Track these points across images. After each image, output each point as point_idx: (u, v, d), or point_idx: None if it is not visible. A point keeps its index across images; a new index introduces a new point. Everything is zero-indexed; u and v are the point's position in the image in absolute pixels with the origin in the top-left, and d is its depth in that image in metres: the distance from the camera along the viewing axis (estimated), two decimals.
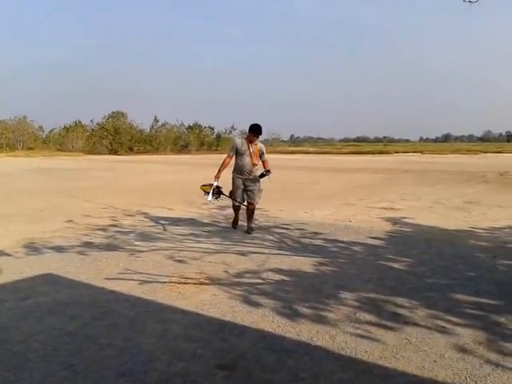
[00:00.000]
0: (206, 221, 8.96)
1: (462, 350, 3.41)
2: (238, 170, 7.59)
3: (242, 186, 7.61)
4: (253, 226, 7.81)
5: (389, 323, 3.89)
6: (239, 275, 5.25)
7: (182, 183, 16.76)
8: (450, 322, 3.92)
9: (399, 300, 4.41)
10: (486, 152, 50.44)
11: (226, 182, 7.84)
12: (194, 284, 4.94)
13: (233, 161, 7.64)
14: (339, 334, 3.67)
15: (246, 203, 7.77)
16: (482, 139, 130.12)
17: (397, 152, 53.17)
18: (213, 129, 67.53)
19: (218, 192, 7.67)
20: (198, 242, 7.00)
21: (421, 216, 9.46)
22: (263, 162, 7.69)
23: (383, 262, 5.80)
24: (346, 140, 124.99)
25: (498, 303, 4.36)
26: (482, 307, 4.24)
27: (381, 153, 51.94)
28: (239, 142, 7.62)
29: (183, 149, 59.18)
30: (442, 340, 3.57)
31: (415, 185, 16.26)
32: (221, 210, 10.14)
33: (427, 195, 13.12)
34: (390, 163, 31.45)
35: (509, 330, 3.73)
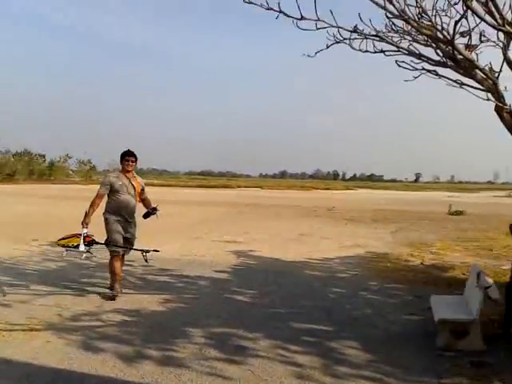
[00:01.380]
0: (36, 259, 8.11)
1: (300, 376, 3.69)
2: (115, 211, 5.95)
3: (123, 232, 6.00)
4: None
5: (233, 357, 4.02)
6: (76, 318, 4.87)
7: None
8: (288, 350, 4.22)
9: (243, 333, 4.59)
10: (316, 188, 56.52)
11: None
12: (23, 330, 4.42)
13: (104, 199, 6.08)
14: (185, 373, 3.65)
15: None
16: (313, 176, 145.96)
17: (239, 186, 56.07)
18: (44, 156, 62.96)
19: (90, 242, 5.96)
20: (27, 282, 6.30)
21: (262, 248, 10.08)
22: (143, 200, 6.28)
23: (228, 295, 6.00)
24: (191, 173, 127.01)
25: (329, 329, 4.84)
26: (316, 334, 4.67)
27: (224, 187, 54.19)
28: (114, 176, 6.04)
29: (9, 178, 52.99)
30: (281, 368, 3.82)
31: (256, 219, 17.29)
32: (53, 247, 9.29)
33: (267, 228, 14.06)
34: (233, 197, 32.95)
35: (340, 355, 4.17)
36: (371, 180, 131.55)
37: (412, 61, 5.43)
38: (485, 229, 14.89)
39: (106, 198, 5.99)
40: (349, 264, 8.52)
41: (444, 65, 5.35)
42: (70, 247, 5.92)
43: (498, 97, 4.59)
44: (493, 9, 4.18)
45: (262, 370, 3.76)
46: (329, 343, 4.43)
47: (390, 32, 5.71)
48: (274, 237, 12.22)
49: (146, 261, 6.10)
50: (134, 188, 6.04)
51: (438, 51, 5.28)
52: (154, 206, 6.20)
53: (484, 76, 4.82)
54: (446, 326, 4.25)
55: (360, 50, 5.90)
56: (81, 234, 5.85)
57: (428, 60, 5.46)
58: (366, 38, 5.70)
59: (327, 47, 5.95)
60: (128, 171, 6.05)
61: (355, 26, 5.65)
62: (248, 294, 6.08)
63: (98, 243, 6.01)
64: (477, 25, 4.70)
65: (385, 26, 5.65)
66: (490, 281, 4.31)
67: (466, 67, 5.01)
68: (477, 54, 5.01)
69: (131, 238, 6.10)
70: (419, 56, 5.47)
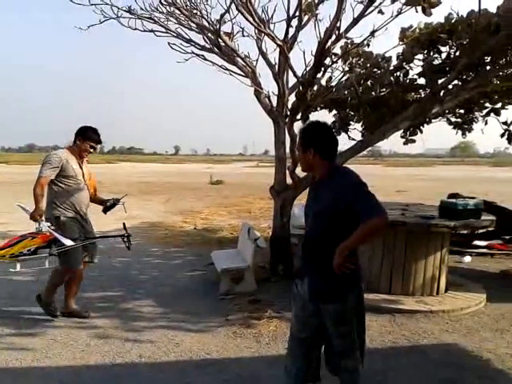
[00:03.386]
0: None
1: (104, 336, 4.09)
2: (69, 205, 4.42)
3: (79, 232, 4.50)
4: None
5: (32, 330, 4.13)
6: None
7: None
8: (86, 317, 4.52)
9: (34, 309, 4.60)
10: None
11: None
12: None
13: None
14: None
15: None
16: None
17: None
18: None
19: (52, 241, 4.11)
20: None
21: None
22: (94, 190, 4.87)
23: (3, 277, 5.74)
24: None
25: (122, 294, 5.29)
26: (110, 299, 5.07)
27: None
28: (65, 155, 4.42)
29: None
30: (84, 333, 4.14)
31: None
32: None
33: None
34: None
35: (136, 313, 4.69)
36: (131, 153, 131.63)
37: (182, 44, 6.11)
38: (242, 195, 17.35)
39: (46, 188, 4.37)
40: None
41: (210, 51, 6.20)
42: (24, 254, 3.95)
43: (256, 82, 5.70)
44: (250, 8, 5.19)
45: (66, 337, 4.01)
46: (124, 305, 4.91)
47: (162, 14, 6.25)
48: None
49: (129, 248, 4.73)
50: (88, 176, 4.67)
51: (206, 38, 6.09)
52: (117, 197, 4.96)
53: (244, 63, 5.87)
54: (227, 275, 5.24)
55: (130, 27, 6.32)
56: (37, 232, 4.12)
57: (196, 45, 6.22)
58: (139, 18, 6.17)
59: (100, 22, 6.23)
60: (81, 157, 4.58)
61: (129, 7, 6.07)
62: (28, 274, 5.93)
63: (60, 244, 4.08)
64: (234, 17, 5.73)
65: (156, 9, 6.17)
66: (258, 234, 5.50)
67: (229, 55, 5.97)
68: (238, 45, 6.01)
69: (94, 241, 4.69)
70: (188, 40, 6.18)
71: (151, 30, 6.22)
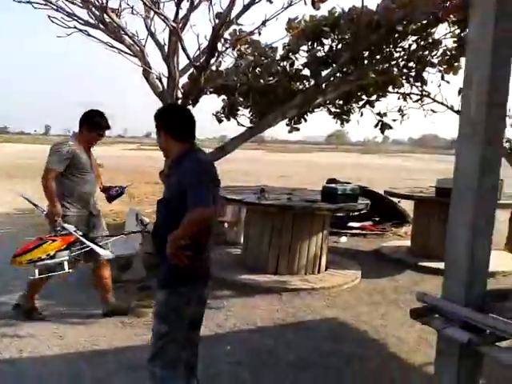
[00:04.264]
0: None
1: None
2: (78, 200, 4.09)
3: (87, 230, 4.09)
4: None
5: None
6: None
7: None
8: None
9: None
10: None
11: None
12: None
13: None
14: None
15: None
16: None
17: None
18: None
19: (73, 243, 3.63)
20: None
21: None
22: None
23: None
24: None
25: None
26: None
27: None
28: (74, 145, 4.02)
29: None
30: None
31: None
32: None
33: None
34: None
35: (11, 306, 4.33)
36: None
37: (63, 17, 5.69)
38: (125, 179, 16.71)
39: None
40: (2, 223, 8.23)
41: (95, 26, 5.86)
42: (43, 259, 3.40)
43: (145, 62, 5.54)
44: None
45: None
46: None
47: None
48: None
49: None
50: (95, 167, 4.32)
51: (90, 13, 5.74)
52: (123, 185, 4.66)
53: (132, 42, 5.66)
54: (114, 263, 5.08)
55: None
56: (55, 234, 3.64)
57: (79, 19, 5.84)
58: None
59: None
60: (90, 145, 4.21)
61: None
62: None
63: (83, 243, 3.66)
64: None
65: None
66: (147, 219, 5.40)
67: (116, 32, 5.71)
68: (126, 22, 5.76)
69: (101, 235, 4.25)
70: (70, 14, 5.78)
71: (28, 2, 5.67)
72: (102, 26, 5.68)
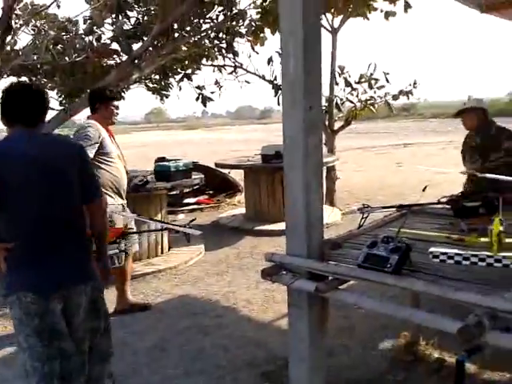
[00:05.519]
0: None
1: None
2: (114, 191, 3.72)
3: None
4: None
5: None
6: None
7: None
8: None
9: None
10: None
11: None
12: None
13: None
14: None
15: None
16: None
17: None
18: None
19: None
20: None
21: None
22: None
23: None
24: None
25: None
26: None
27: None
28: (99, 131, 3.58)
29: None
30: None
31: None
32: None
33: None
34: None
35: None
36: None
37: None
38: None
39: None
40: None
41: None
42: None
43: None
44: None
45: None
46: None
47: None
48: None
49: (189, 240, 3.98)
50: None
51: None
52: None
53: None
54: None
55: None
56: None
57: None
58: None
59: None
60: (110, 123, 3.81)
61: None
62: None
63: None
64: None
65: None
66: None
67: None
68: None
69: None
70: None
71: None
72: None
